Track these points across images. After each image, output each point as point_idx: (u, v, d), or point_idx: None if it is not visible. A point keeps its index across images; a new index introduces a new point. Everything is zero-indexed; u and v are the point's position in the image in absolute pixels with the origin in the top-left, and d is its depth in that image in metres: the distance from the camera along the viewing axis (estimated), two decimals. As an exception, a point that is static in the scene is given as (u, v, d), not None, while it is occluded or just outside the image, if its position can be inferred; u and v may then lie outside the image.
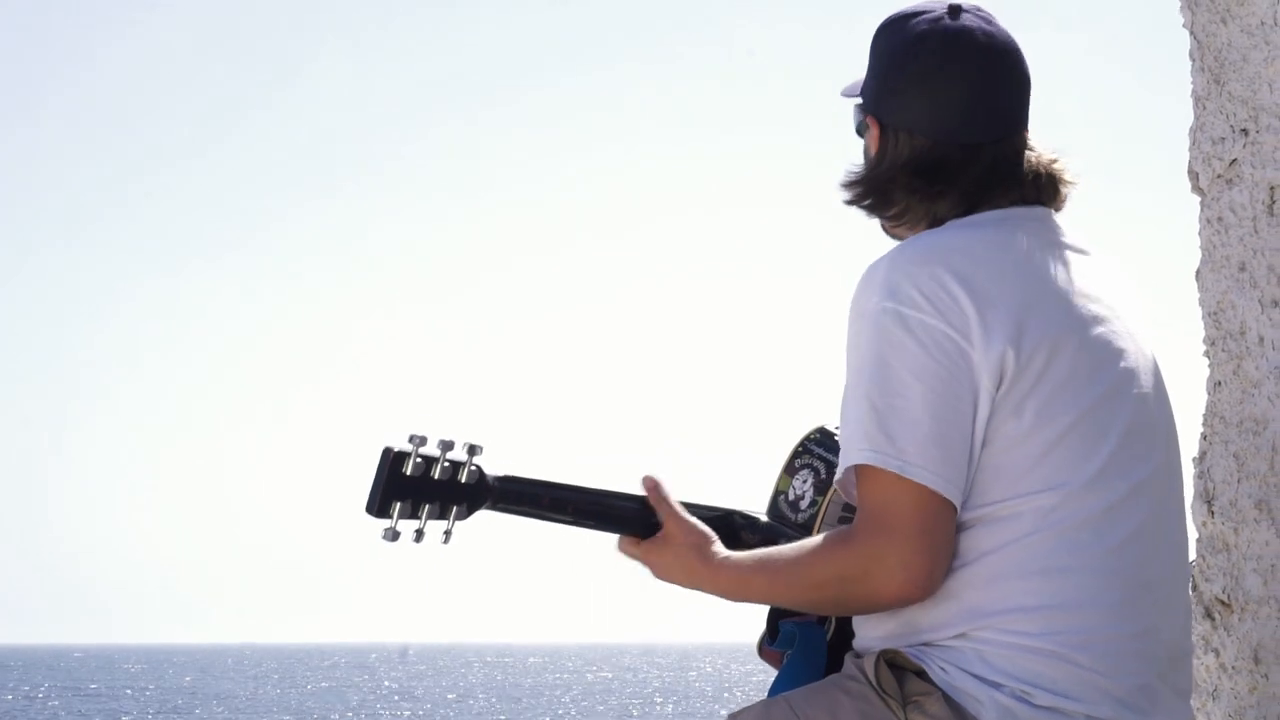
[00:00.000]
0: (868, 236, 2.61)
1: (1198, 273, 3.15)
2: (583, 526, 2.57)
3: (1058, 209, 2.51)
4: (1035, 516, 2.31)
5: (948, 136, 2.45)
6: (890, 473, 2.29)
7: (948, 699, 2.30)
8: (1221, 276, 3.08)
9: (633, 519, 2.57)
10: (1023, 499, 2.31)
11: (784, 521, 2.67)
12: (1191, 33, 3.16)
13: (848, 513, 2.57)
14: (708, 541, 2.53)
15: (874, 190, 2.50)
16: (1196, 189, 3.15)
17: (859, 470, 2.33)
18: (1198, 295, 3.15)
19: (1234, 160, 3.06)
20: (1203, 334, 3.13)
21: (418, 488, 2.47)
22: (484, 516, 2.55)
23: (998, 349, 2.30)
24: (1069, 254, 2.46)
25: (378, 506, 2.45)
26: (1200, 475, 3.11)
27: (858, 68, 2.62)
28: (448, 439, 2.48)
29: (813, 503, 2.65)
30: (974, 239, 2.39)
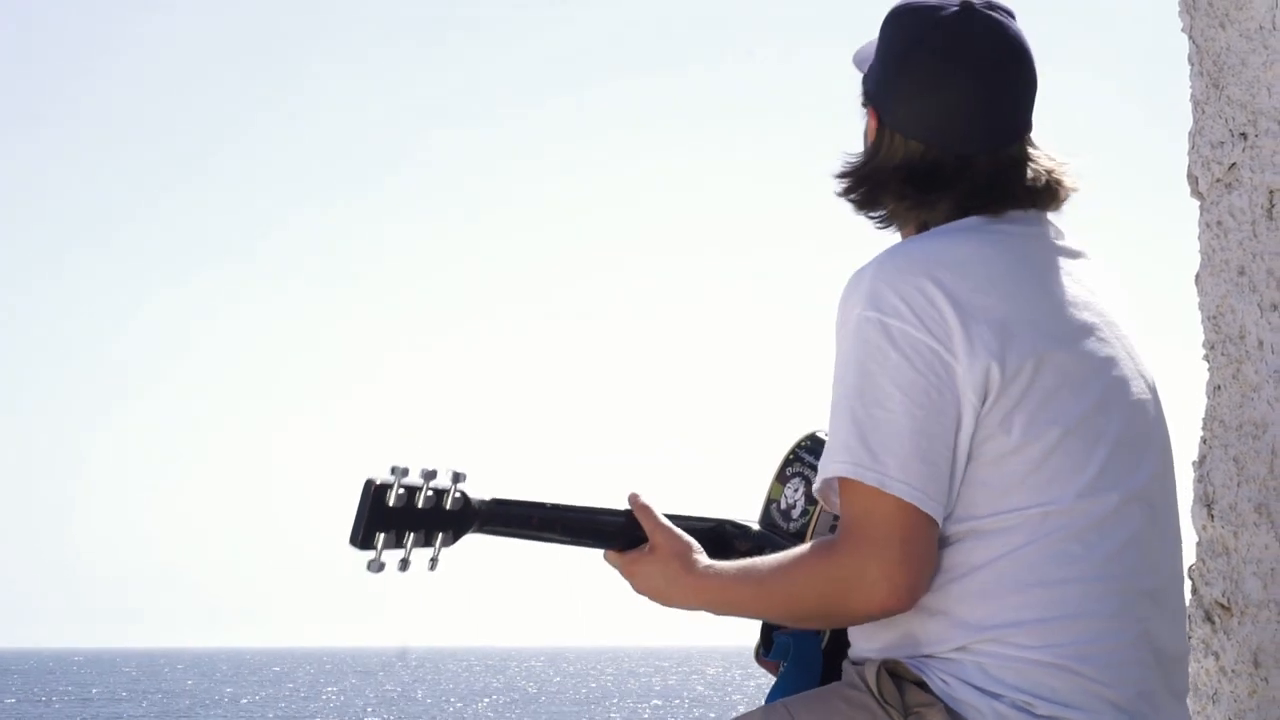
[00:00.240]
0: (869, 241, 2.59)
1: (1197, 277, 3.14)
2: (571, 544, 2.57)
3: (1054, 211, 2.45)
4: (1028, 529, 2.28)
5: (944, 144, 2.38)
6: (870, 486, 2.26)
7: (949, 710, 2.28)
8: (1221, 280, 3.08)
9: (618, 533, 2.56)
10: (1015, 512, 2.29)
11: (776, 530, 2.65)
12: (1190, 37, 3.15)
13: (839, 522, 2.56)
14: (691, 550, 2.51)
15: (862, 188, 2.45)
16: (1196, 193, 3.15)
17: (840, 481, 2.30)
18: (1197, 299, 3.14)
19: (1233, 164, 3.05)
20: (1202, 338, 3.13)
21: (401, 518, 2.45)
22: (474, 540, 2.54)
23: (981, 363, 2.26)
24: (1061, 260, 2.41)
25: (361, 538, 2.44)
26: (1200, 479, 3.11)
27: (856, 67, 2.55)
28: (430, 468, 2.47)
29: (805, 511, 2.63)
30: (962, 248, 2.34)
